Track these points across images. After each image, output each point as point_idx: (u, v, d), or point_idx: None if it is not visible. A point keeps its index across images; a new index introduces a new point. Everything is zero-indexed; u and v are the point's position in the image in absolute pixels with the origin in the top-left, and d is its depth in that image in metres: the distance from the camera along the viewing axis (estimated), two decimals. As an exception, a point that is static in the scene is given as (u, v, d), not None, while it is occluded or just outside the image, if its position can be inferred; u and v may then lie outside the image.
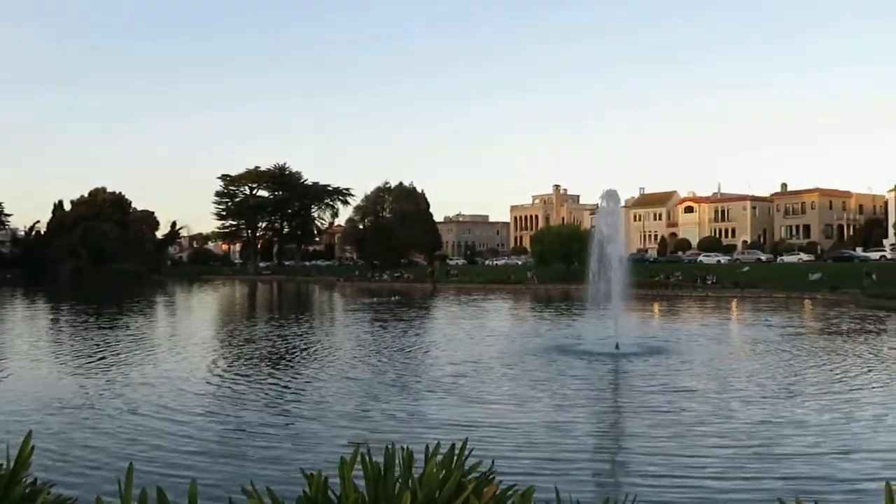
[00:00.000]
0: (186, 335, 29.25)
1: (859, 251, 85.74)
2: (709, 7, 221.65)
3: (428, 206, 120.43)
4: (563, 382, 17.02)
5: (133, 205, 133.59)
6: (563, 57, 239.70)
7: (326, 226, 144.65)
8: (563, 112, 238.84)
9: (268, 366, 20.19)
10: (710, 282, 63.58)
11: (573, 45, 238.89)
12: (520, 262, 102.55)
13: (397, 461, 2.98)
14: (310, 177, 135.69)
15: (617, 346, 22.07)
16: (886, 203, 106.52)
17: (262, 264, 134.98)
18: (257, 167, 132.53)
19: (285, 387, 16.54)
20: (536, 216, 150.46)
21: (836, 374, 18.16)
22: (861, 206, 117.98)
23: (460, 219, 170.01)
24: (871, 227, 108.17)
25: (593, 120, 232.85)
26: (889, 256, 78.97)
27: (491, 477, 2.93)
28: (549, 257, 79.03)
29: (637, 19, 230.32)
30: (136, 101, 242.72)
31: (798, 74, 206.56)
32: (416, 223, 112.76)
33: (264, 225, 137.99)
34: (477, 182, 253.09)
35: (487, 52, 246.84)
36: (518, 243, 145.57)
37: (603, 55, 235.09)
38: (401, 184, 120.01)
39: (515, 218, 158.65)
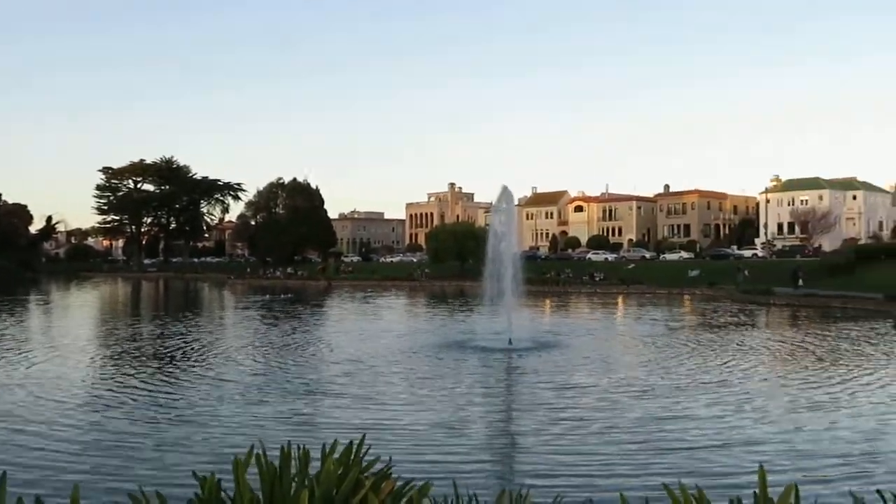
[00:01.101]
0: (58, 335, 27.65)
1: (734, 249, 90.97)
2: (597, 11, 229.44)
3: (322, 202, 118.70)
4: (458, 379, 17.21)
5: (3, 197, 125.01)
6: (459, 58, 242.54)
7: (216, 222, 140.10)
8: (460, 111, 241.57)
9: (148, 368, 19.29)
10: (598, 279, 65.90)
11: (468, 46, 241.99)
12: (415, 260, 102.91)
13: (293, 461, 2.93)
14: (199, 171, 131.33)
15: (510, 342, 22.55)
16: (758, 205, 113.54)
17: (147, 261, 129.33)
18: (142, 160, 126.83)
19: (167, 391, 15.72)
20: (432, 214, 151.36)
21: (718, 365, 19.20)
22: (735, 207, 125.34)
23: (355, 216, 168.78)
24: (745, 227, 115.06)
25: (489, 120, 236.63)
26: (760, 254, 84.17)
27: (389, 474, 2.93)
28: (444, 255, 79.73)
29: (532, 22, 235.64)
30: (4, 91, 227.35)
31: (680, 81, 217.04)
32: (309, 219, 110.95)
33: (150, 220, 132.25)
34: (373, 180, 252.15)
35: (383, 51, 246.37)
36: (413, 241, 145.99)
37: (496, 57, 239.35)
38: (294, 180, 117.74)
39: (411, 215, 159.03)
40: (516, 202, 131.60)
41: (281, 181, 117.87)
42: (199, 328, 30.57)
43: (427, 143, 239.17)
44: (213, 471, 2.92)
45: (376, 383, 16.50)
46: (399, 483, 2.84)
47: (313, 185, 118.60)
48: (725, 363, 19.51)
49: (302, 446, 3.00)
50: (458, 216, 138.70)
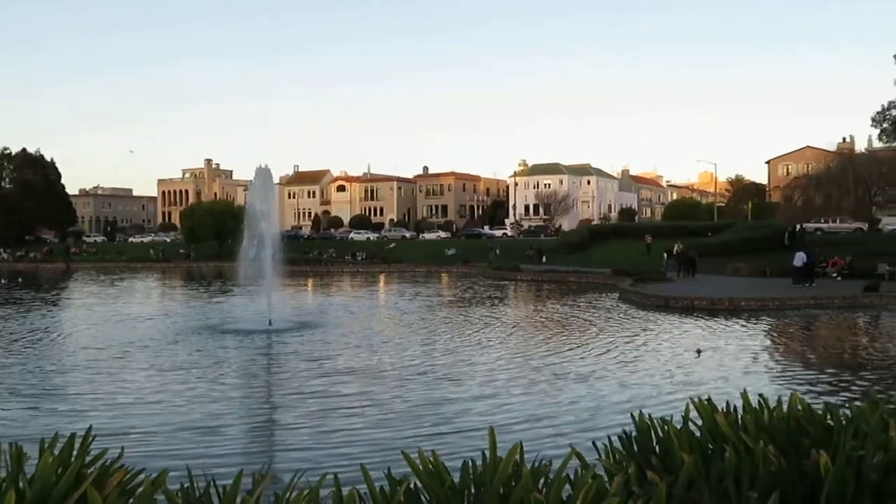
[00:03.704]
0: None
1: (486, 229, 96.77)
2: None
3: (59, 177, 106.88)
4: (215, 365, 16.48)
5: None
6: (218, 33, 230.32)
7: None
8: (218, 86, 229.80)
9: None
10: (360, 258, 66.68)
11: (229, 21, 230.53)
12: (168, 240, 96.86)
13: (4, 460, 2.61)
14: None
15: (270, 323, 22.12)
16: (508, 187, 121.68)
17: None
18: None
19: None
20: (187, 191, 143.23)
21: (478, 341, 20.34)
22: (488, 189, 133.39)
23: (99, 192, 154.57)
24: (496, 208, 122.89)
25: (250, 97, 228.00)
26: (510, 234, 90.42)
27: (119, 466, 2.71)
28: (201, 234, 76.05)
29: (291, 1, 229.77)
30: None
31: (440, 66, 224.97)
32: (43, 196, 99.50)
33: None
34: (121, 154, 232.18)
35: (137, 20, 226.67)
36: (167, 219, 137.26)
37: (257, 33, 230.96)
38: (24, 151, 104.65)
39: (163, 192, 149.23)
40: (278, 180, 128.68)
41: (7, 152, 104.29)
42: None
43: (182, 117, 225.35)
44: None
45: (122, 374, 15.27)
46: (129, 475, 2.64)
47: (48, 158, 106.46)
48: (478, 337, 20.75)
49: (14, 444, 2.67)
50: (216, 194, 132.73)
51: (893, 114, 55.83)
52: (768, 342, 20.20)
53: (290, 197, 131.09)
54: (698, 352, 16.99)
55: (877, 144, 66.36)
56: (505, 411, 11.55)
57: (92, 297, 37.12)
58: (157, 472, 2.63)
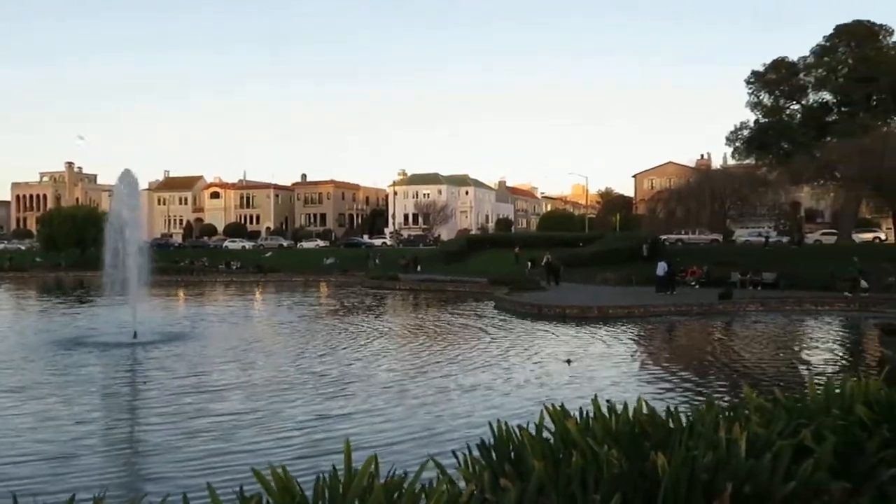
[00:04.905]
0: None
1: (366, 238, 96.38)
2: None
3: None
4: (74, 381, 15.51)
5: None
6: (86, 31, 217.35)
7: None
8: (84, 86, 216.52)
9: None
10: (234, 267, 64.78)
11: (95, 19, 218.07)
12: (24, 247, 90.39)
13: None
14: None
15: (135, 335, 21.12)
16: (388, 196, 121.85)
17: None
18: None
19: None
20: (45, 196, 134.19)
21: (357, 350, 20.17)
22: (368, 198, 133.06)
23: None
24: (376, 217, 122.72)
25: (117, 100, 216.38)
26: (389, 243, 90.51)
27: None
28: (61, 241, 71.60)
29: (166, 2, 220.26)
30: None
31: (317, 75, 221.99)
32: None
33: None
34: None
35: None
36: (22, 225, 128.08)
37: (125, 33, 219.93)
38: None
39: (18, 197, 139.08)
40: (146, 186, 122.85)
41: None
42: None
43: (41, 119, 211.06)
44: None
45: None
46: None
47: None
48: (356, 347, 20.62)
49: None
50: (77, 199, 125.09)
51: (745, 134, 60.47)
52: (633, 348, 21.24)
53: (160, 203, 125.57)
54: (568, 361, 17.49)
55: (731, 161, 71.60)
56: (382, 424, 11.49)
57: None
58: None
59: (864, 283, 32.81)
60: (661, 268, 35.76)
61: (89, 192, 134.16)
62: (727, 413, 3.67)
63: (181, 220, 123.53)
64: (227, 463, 9.30)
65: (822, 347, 21.23)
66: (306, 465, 8.66)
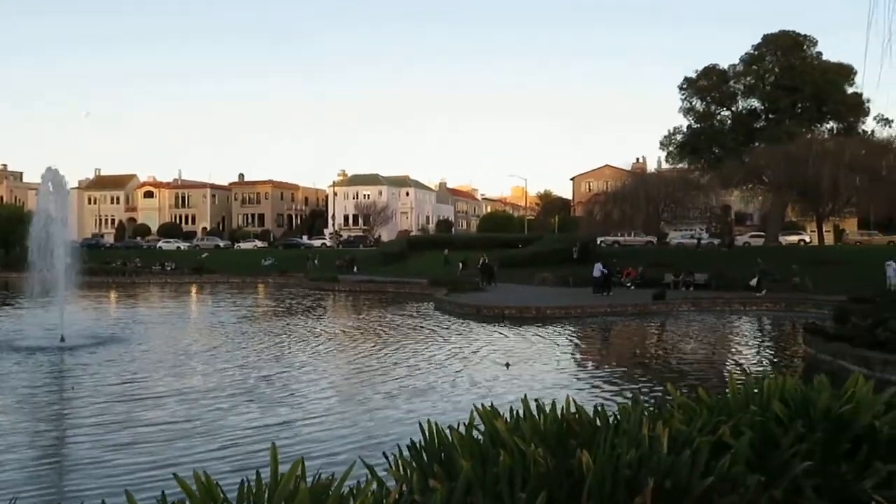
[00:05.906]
0: None
1: (305, 239, 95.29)
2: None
3: None
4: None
5: None
6: (17, 28, 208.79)
7: None
8: (13, 82, 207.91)
9: None
10: (169, 268, 63.26)
11: (28, 18, 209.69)
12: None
13: None
14: None
15: (62, 339, 20.42)
16: (327, 197, 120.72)
17: None
18: None
19: None
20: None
21: (297, 355, 19.90)
22: (307, 199, 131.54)
23: None
24: (315, 218, 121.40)
25: (50, 94, 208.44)
26: (329, 244, 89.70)
27: None
28: (-16, 242, 68.63)
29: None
30: None
31: (257, 73, 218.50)
32: None
33: None
34: None
35: None
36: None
37: (63, 28, 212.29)
38: None
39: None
40: (76, 184, 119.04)
41: None
42: None
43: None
44: None
45: None
46: None
47: None
48: (294, 351, 20.36)
49: None
50: (2, 198, 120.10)
51: (678, 138, 62.19)
52: (570, 348, 21.59)
53: (90, 202, 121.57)
54: (507, 364, 17.38)
55: (665, 165, 73.47)
56: (320, 433, 11.22)
57: None
58: None
59: (753, 283, 34.88)
60: (598, 269, 36.47)
61: (14, 190, 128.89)
62: (652, 410, 3.77)
63: (113, 220, 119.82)
64: (157, 478, 8.59)
65: (748, 346, 21.98)
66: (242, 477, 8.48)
